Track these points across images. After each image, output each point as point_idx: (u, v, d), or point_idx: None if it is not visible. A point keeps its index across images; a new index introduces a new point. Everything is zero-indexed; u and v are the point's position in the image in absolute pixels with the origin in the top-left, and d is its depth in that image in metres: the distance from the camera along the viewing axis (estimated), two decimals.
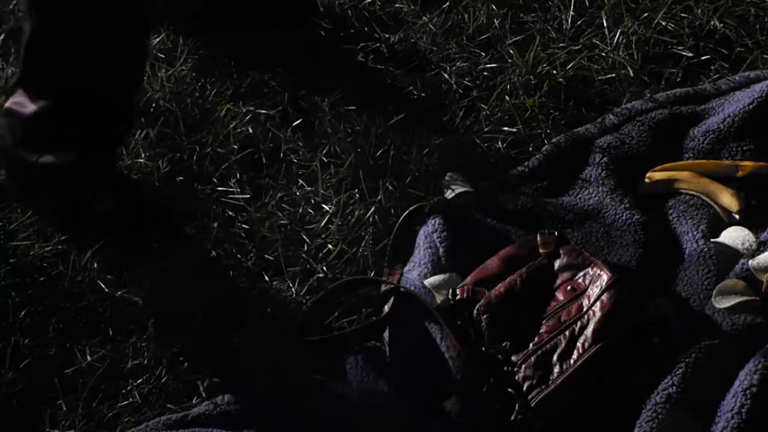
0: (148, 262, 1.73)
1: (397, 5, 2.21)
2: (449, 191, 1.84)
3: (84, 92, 1.68)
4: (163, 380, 1.62)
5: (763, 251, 1.69)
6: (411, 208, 1.80)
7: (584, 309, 1.59)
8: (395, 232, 1.78)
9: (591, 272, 1.63)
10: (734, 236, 1.73)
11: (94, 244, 1.73)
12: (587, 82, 2.06)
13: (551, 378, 1.55)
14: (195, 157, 1.91)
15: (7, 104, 1.74)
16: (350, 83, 2.04)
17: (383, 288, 1.71)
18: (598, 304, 1.59)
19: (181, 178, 1.89)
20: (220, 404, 1.58)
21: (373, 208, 1.82)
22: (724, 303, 1.62)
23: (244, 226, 1.82)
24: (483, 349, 1.59)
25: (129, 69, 1.73)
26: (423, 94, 2.04)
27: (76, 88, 1.68)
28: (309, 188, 1.87)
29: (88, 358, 1.64)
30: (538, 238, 1.71)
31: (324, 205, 1.83)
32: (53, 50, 1.66)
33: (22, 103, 1.72)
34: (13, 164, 1.77)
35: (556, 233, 1.71)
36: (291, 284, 1.73)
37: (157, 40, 2.08)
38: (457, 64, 2.09)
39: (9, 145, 1.76)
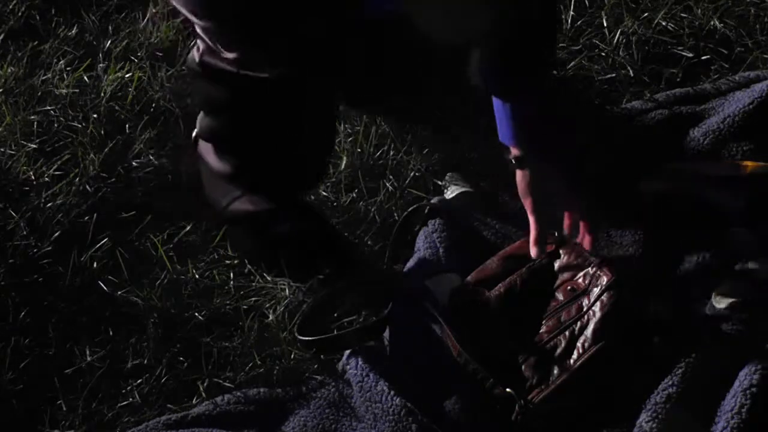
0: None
1: None
2: (449, 191, 1.84)
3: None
4: (163, 380, 1.62)
5: (763, 251, 1.69)
6: (411, 208, 1.80)
7: (584, 309, 1.59)
8: (395, 233, 1.77)
9: (591, 272, 1.63)
10: (733, 236, 1.73)
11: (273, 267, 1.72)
12: (587, 82, 2.05)
13: (551, 378, 1.55)
14: None
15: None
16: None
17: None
18: (598, 304, 1.59)
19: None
20: (220, 404, 1.58)
21: (373, 208, 1.82)
22: (724, 303, 1.62)
23: None
24: (483, 349, 1.59)
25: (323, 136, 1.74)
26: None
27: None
28: None
29: (88, 358, 1.64)
30: None
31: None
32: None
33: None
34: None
35: (556, 233, 1.71)
36: (292, 284, 1.73)
37: (156, 39, 2.08)
38: None
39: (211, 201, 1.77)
